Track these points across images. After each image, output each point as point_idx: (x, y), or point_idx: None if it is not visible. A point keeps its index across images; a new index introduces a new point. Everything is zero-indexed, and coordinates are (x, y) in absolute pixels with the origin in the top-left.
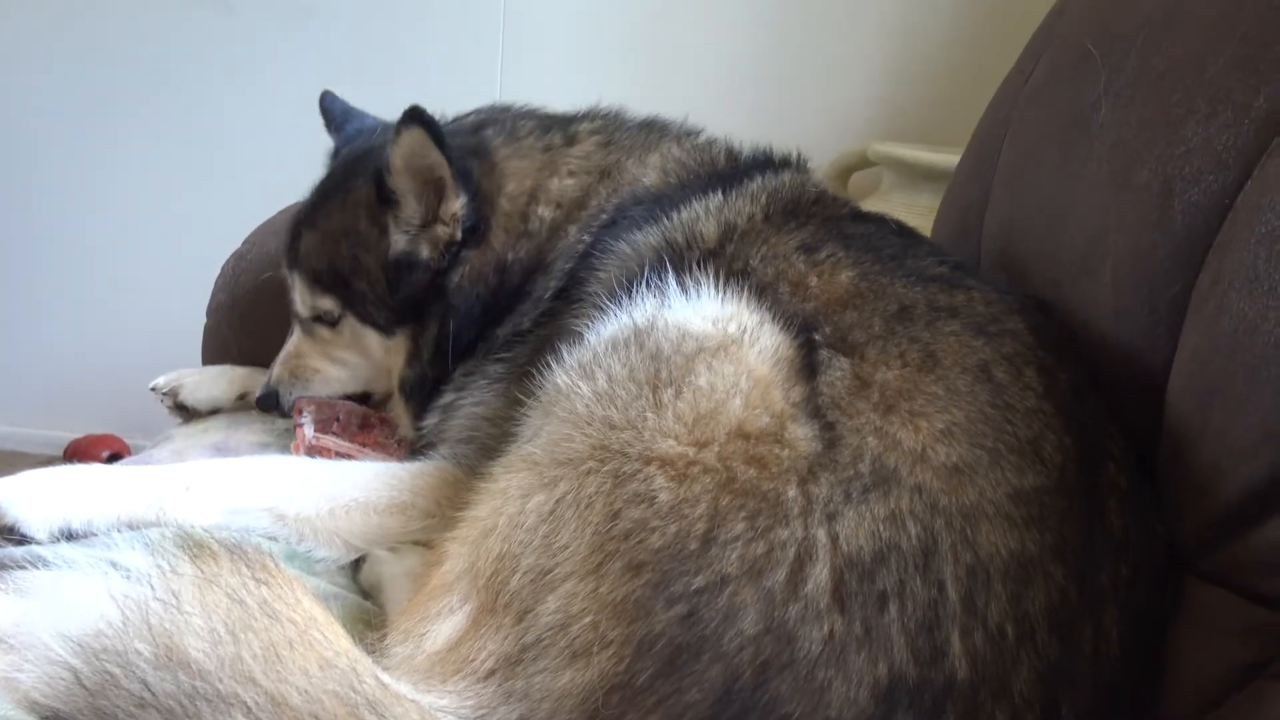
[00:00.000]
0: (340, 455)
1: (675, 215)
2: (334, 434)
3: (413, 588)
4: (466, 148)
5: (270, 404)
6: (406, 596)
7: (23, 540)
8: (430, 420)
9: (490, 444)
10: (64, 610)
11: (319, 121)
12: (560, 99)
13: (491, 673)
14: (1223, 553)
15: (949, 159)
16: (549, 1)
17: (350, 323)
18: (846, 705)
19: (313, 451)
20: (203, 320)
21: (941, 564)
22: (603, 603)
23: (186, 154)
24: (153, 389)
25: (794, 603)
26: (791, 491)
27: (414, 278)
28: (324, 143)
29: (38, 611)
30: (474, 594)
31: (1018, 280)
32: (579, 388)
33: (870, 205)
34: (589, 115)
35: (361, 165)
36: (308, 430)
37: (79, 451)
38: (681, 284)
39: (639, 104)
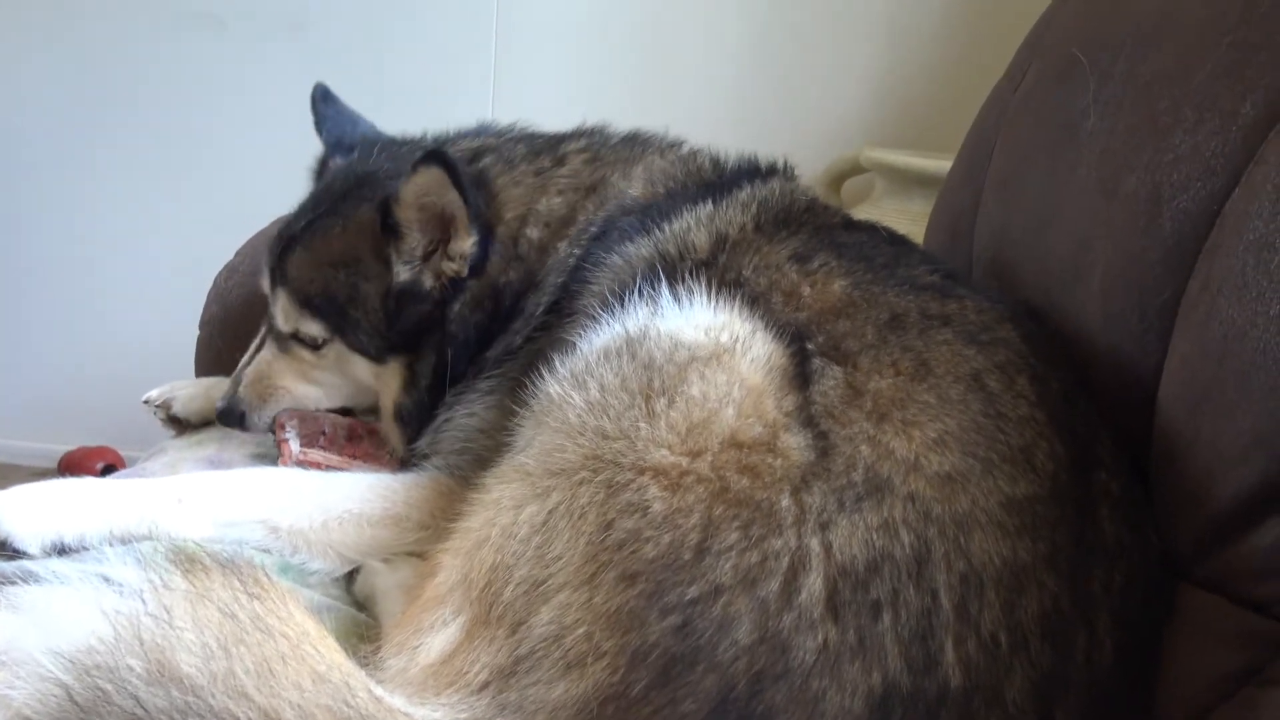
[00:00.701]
0: (330, 469)
1: (666, 226)
2: (321, 448)
3: (406, 600)
4: (471, 182)
5: (233, 420)
6: (400, 609)
7: (15, 554)
8: (423, 440)
9: (484, 454)
10: (56, 626)
11: (310, 134)
12: (553, 110)
13: (485, 685)
14: (1215, 558)
15: (941, 165)
16: (541, 12)
17: (337, 348)
18: (841, 715)
19: (301, 466)
20: (195, 332)
21: (935, 572)
22: (597, 613)
23: (178, 167)
24: (145, 401)
25: (788, 612)
26: (785, 501)
27: (416, 309)
28: (315, 154)
29: (29, 627)
30: (467, 606)
31: (1008, 286)
32: (571, 397)
33: (863, 211)
34: (576, 134)
35: (362, 190)
36: (293, 445)
37: (73, 464)
38: (674, 294)
39: (632, 113)
